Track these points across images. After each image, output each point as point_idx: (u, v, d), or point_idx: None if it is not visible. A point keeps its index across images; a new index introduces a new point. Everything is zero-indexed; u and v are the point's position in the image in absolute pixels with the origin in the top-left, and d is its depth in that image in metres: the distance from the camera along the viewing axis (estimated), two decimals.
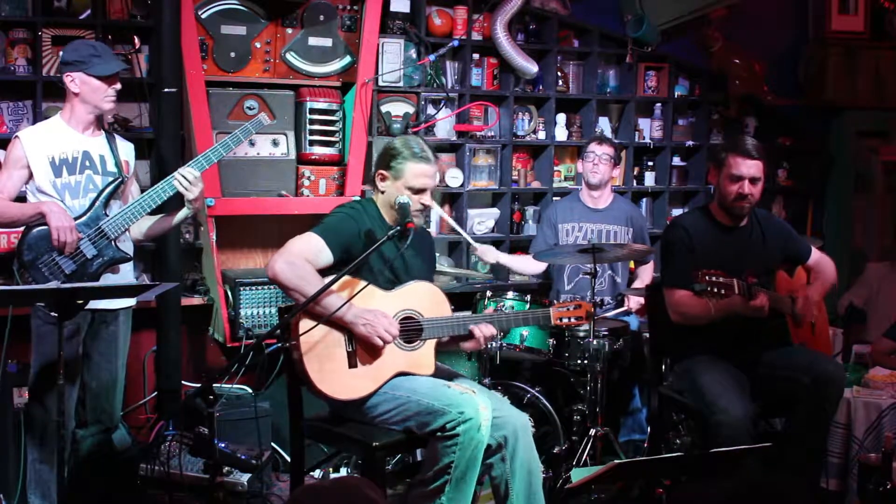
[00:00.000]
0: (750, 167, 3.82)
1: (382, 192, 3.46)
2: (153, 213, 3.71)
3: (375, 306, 3.31)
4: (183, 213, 3.70)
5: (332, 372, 3.29)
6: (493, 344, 4.19)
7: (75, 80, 3.57)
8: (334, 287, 3.22)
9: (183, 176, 3.56)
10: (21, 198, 3.65)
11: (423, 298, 3.43)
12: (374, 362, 3.34)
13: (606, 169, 4.91)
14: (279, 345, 3.45)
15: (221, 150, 3.69)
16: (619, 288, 4.97)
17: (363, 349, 3.32)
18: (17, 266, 3.55)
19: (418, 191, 3.40)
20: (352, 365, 3.31)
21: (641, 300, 4.80)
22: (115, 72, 3.60)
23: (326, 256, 3.32)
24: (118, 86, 3.63)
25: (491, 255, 4.84)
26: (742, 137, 3.99)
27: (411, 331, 3.39)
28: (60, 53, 3.70)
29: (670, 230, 4.08)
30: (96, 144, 3.67)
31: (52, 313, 3.44)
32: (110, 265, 3.61)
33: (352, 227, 3.37)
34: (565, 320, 3.60)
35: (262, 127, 3.79)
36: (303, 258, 3.28)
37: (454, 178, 5.23)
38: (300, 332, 3.25)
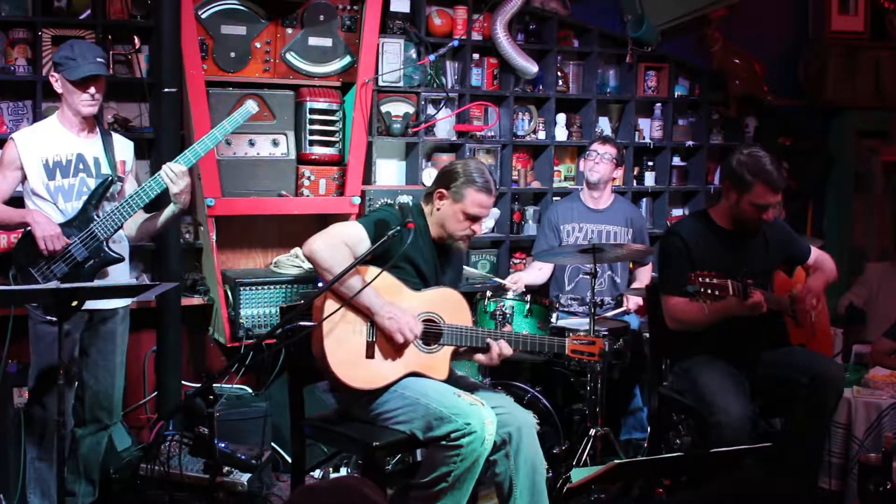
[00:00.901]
0: (777, 197, 3.78)
1: (438, 210, 3.47)
2: (148, 211, 3.70)
3: (400, 302, 3.33)
4: (169, 210, 3.67)
5: (348, 358, 3.29)
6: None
7: (58, 81, 3.55)
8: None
9: (170, 169, 3.55)
10: (19, 199, 3.65)
11: (448, 305, 3.45)
12: (391, 357, 3.34)
13: (606, 168, 4.91)
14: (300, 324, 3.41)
15: (208, 143, 3.62)
16: (619, 288, 4.97)
17: (383, 341, 3.33)
18: (12, 272, 3.56)
19: (473, 218, 3.44)
20: (369, 355, 3.32)
21: (640, 300, 4.81)
22: (84, 76, 3.49)
23: (365, 247, 3.34)
24: (92, 90, 3.53)
25: (522, 280, 4.75)
26: (768, 164, 3.75)
27: (430, 334, 3.40)
28: None
29: (666, 238, 4.06)
30: (91, 147, 3.65)
31: (50, 316, 3.45)
32: (103, 266, 3.59)
33: (392, 227, 3.36)
34: (578, 353, 3.60)
35: (250, 115, 3.69)
36: (342, 241, 3.31)
37: None
38: (325, 313, 3.25)
